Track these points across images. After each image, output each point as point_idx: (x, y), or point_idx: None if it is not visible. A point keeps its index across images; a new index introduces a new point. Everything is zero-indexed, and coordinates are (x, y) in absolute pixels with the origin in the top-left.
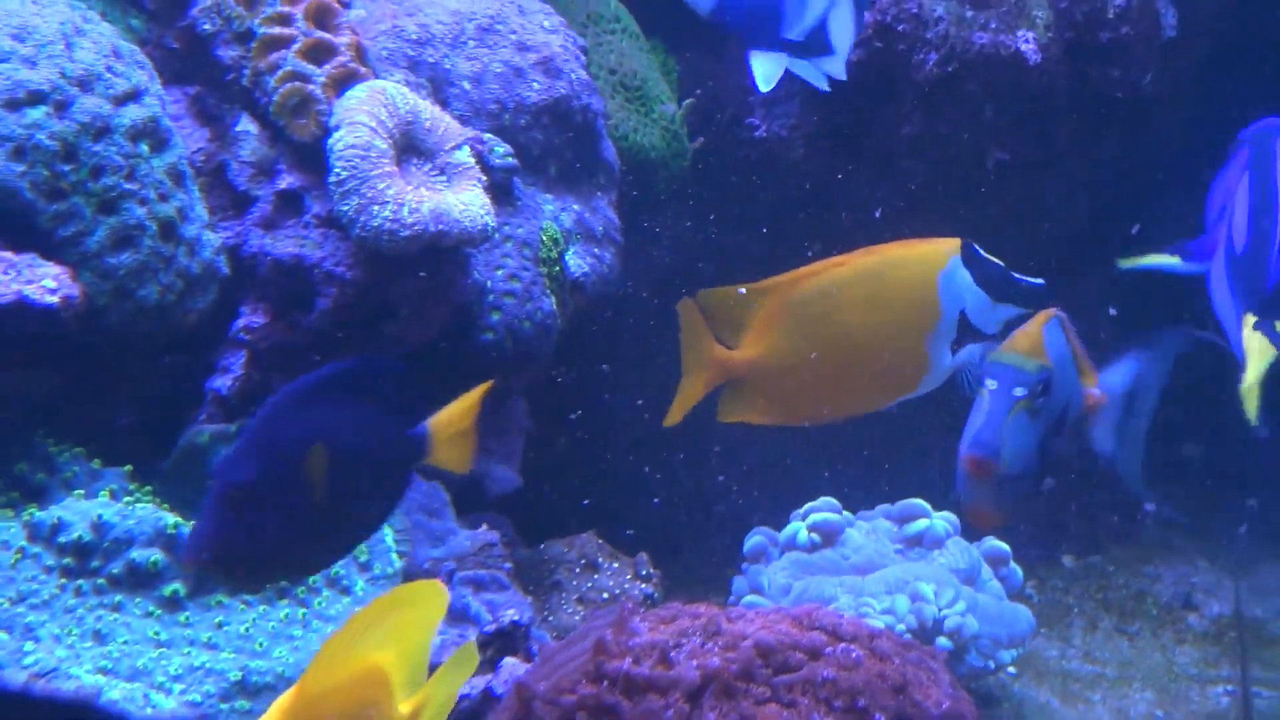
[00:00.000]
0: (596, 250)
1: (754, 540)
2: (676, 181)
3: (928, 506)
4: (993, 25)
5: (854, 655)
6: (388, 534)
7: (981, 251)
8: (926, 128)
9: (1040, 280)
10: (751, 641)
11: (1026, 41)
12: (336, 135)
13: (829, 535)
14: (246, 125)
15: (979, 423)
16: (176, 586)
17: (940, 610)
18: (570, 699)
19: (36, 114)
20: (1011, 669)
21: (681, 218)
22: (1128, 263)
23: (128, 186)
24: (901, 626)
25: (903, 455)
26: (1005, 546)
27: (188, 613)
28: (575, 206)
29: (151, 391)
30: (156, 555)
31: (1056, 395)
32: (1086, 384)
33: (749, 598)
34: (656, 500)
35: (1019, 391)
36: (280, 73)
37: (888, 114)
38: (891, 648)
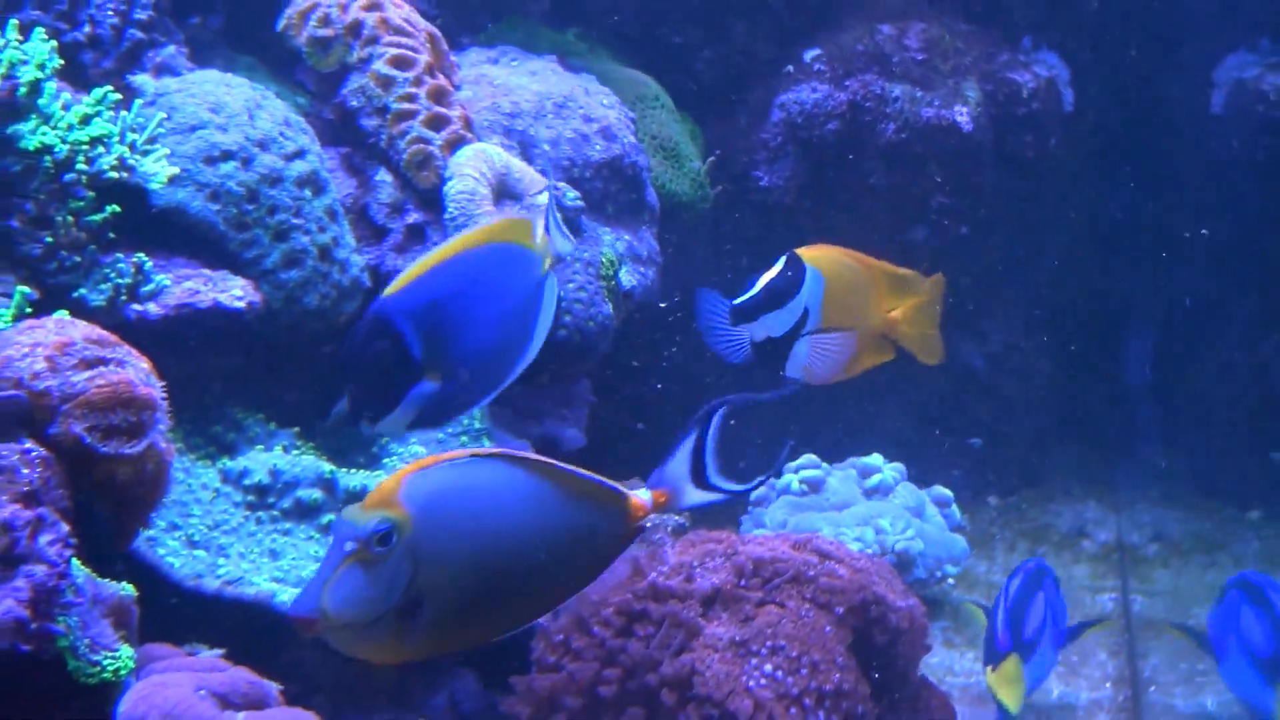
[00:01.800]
0: (642, 269)
1: (759, 491)
2: (701, 218)
3: (881, 462)
4: (936, 102)
5: (838, 571)
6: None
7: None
8: (887, 179)
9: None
10: (755, 558)
11: (962, 114)
12: (450, 183)
13: (814, 484)
14: (383, 176)
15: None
16: (332, 516)
17: (895, 537)
18: (610, 608)
19: (228, 167)
20: (951, 581)
21: (704, 245)
22: None
23: (295, 221)
24: (870, 550)
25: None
26: (948, 491)
27: None
28: (626, 237)
29: (313, 373)
30: (317, 494)
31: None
32: None
33: (754, 531)
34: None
35: (349, 546)
36: (408, 137)
37: (858, 169)
38: (864, 564)
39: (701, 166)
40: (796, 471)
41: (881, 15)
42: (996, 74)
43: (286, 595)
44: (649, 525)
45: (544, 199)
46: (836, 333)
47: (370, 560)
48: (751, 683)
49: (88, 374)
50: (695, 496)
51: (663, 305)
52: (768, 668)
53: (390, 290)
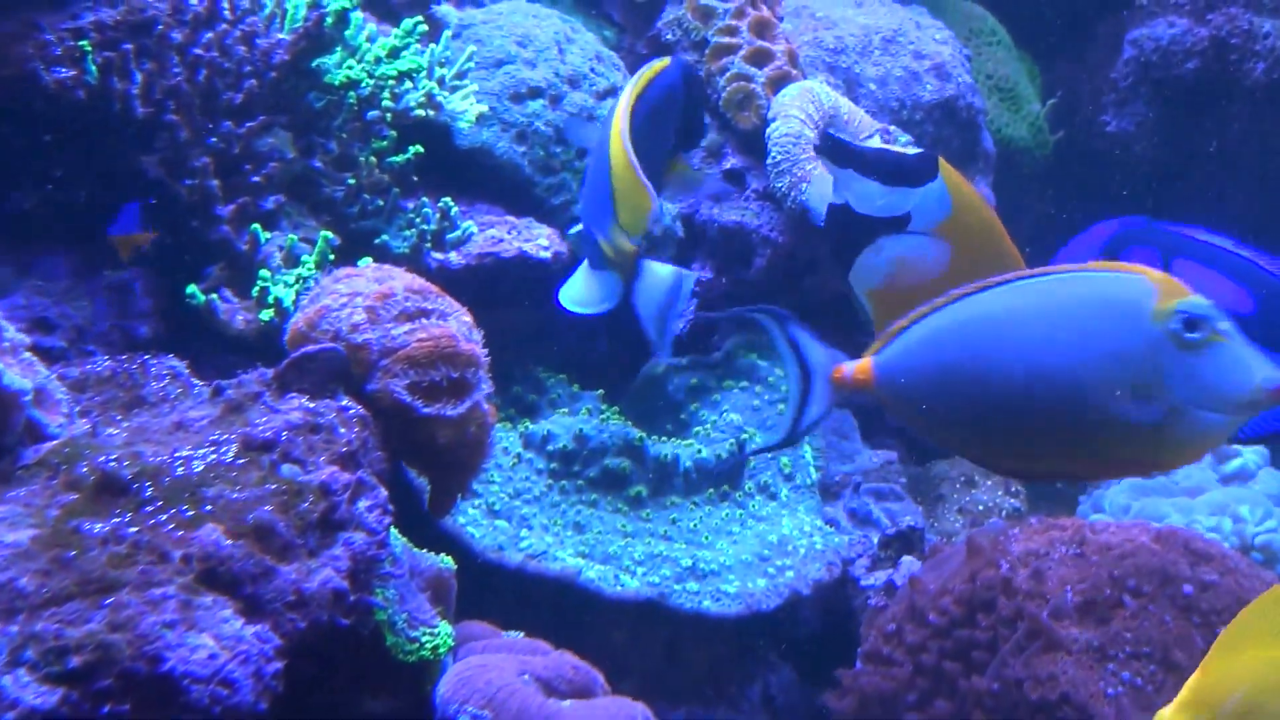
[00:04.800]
0: None
1: None
2: (1040, 167)
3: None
4: None
5: (1207, 575)
6: (807, 451)
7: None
8: (1255, 125)
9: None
10: (1111, 551)
11: None
12: (774, 125)
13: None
14: None
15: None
16: (640, 489)
17: (1256, 529)
18: (948, 597)
19: (536, 105)
20: None
21: (1040, 196)
22: None
23: None
24: (1228, 545)
25: None
26: None
27: (648, 510)
28: None
29: (619, 330)
30: (625, 463)
31: None
32: None
33: (1093, 516)
34: None
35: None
36: (729, 74)
37: (1219, 114)
38: (1241, 567)
39: (1041, 109)
40: None
41: None
42: None
43: (593, 572)
44: (982, 510)
45: (875, 142)
46: (940, 241)
47: None
48: (1111, 689)
49: (408, 327)
50: None
51: None
52: (1126, 674)
53: None
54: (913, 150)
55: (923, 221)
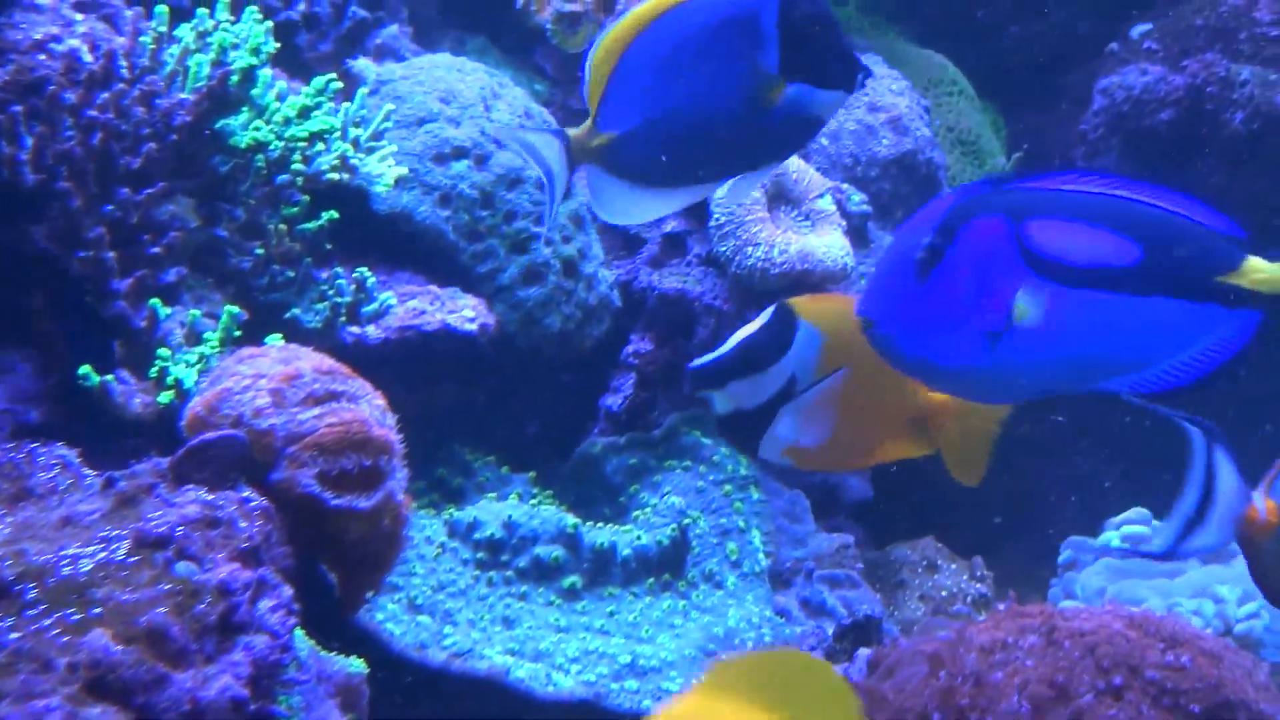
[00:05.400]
0: None
1: (1066, 553)
2: None
3: None
4: None
5: (1185, 660)
6: (755, 535)
7: None
8: (1233, 179)
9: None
10: (1081, 639)
11: None
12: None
13: (1140, 543)
14: None
15: None
16: (575, 579)
17: (1238, 610)
18: (911, 715)
19: (460, 166)
20: None
21: None
22: None
23: (536, 230)
24: (1210, 630)
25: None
26: None
27: (584, 602)
28: None
29: (551, 407)
30: (558, 551)
31: None
32: None
33: (1064, 602)
34: (998, 520)
35: None
36: None
37: (1196, 167)
38: (1221, 652)
39: (1006, 163)
40: (1118, 527)
41: None
42: None
43: (523, 671)
44: (945, 596)
45: (825, 203)
46: (825, 384)
47: None
48: None
49: (316, 411)
50: None
51: None
52: None
53: None
54: (763, 318)
55: (806, 372)
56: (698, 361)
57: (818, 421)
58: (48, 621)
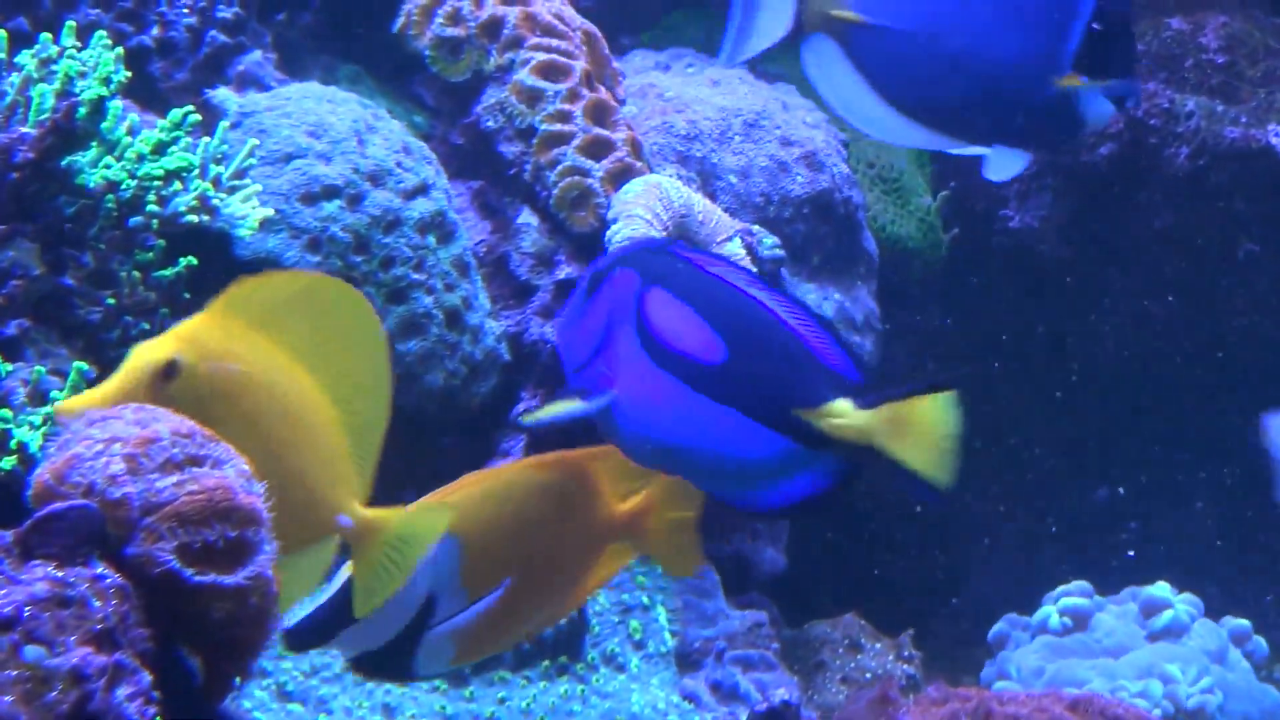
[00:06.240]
0: (857, 338)
1: (998, 628)
2: (931, 270)
3: (1169, 595)
4: (1243, 119)
5: None
6: (660, 613)
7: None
8: (1178, 219)
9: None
10: None
11: (1277, 136)
12: (614, 227)
13: (1080, 619)
14: (527, 218)
15: None
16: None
17: (1189, 690)
18: None
19: (331, 208)
20: None
21: (935, 305)
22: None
23: (416, 277)
24: (1157, 712)
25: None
26: (1245, 622)
27: (471, 688)
28: (836, 295)
29: (435, 473)
30: None
31: None
32: None
33: (999, 684)
34: (955, 600)
35: None
36: (560, 167)
37: (1139, 206)
38: None
39: (933, 203)
40: (1056, 601)
41: (1169, 7)
42: None
43: None
44: (869, 678)
45: (734, 247)
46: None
47: None
48: None
49: (176, 477)
50: None
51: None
52: None
53: None
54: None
55: (448, 585)
56: (287, 624)
57: (491, 627)
58: None
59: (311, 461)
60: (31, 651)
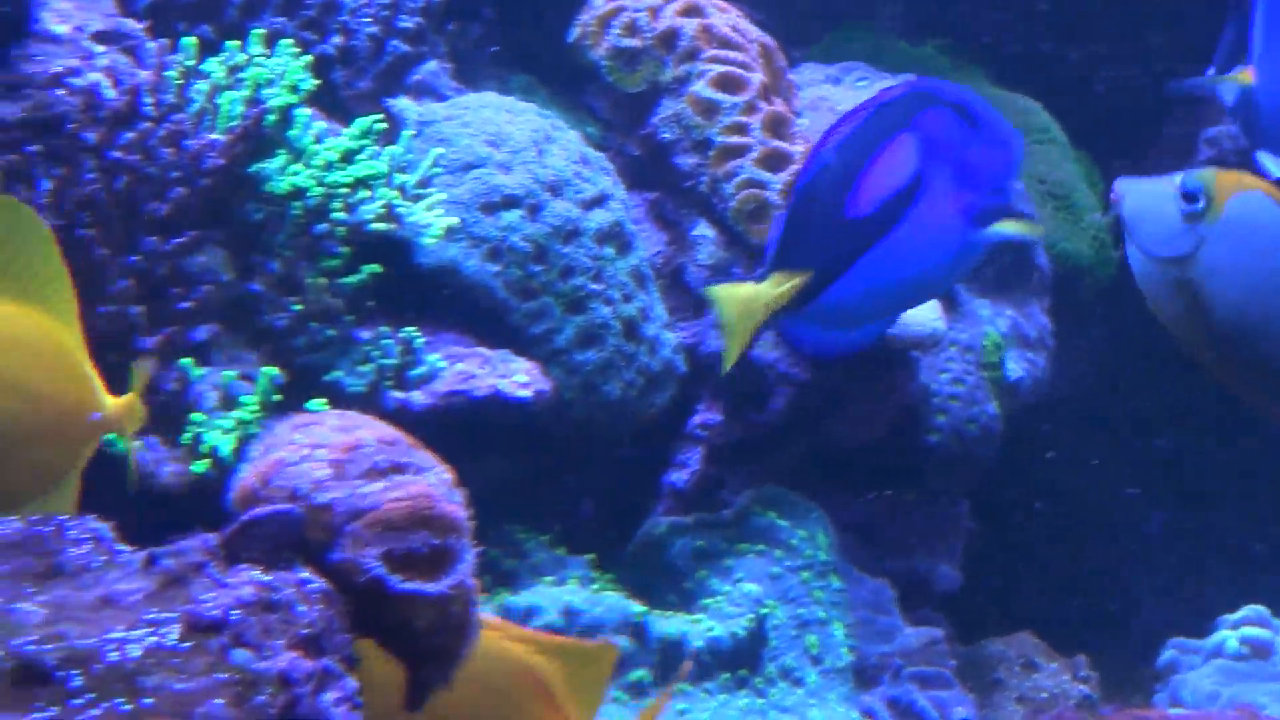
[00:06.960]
0: (1030, 355)
1: (1168, 654)
2: (1102, 288)
3: None
4: None
5: None
6: (838, 628)
7: None
8: None
9: None
10: None
11: None
12: None
13: (1259, 647)
14: (703, 230)
15: None
16: (642, 673)
17: None
18: None
19: (511, 217)
20: None
21: (1105, 323)
22: None
23: (594, 287)
24: None
25: None
26: None
27: (651, 699)
28: (1009, 312)
29: (610, 483)
30: (625, 641)
31: None
32: None
33: (1173, 710)
34: (1122, 621)
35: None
36: (738, 180)
37: None
38: None
39: (1103, 219)
40: (1235, 627)
41: None
42: None
43: None
44: (1046, 698)
45: None
46: None
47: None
48: None
49: (380, 484)
50: None
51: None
52: None
53: None
54: None
55: None
56: None
57: None
58: (96, 712)
59: (47, 377)
60: (239, 655)
